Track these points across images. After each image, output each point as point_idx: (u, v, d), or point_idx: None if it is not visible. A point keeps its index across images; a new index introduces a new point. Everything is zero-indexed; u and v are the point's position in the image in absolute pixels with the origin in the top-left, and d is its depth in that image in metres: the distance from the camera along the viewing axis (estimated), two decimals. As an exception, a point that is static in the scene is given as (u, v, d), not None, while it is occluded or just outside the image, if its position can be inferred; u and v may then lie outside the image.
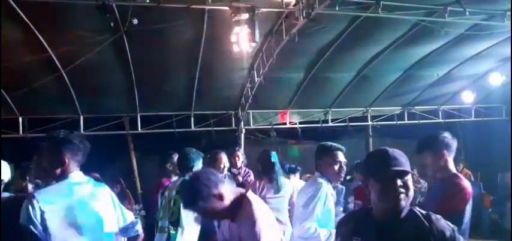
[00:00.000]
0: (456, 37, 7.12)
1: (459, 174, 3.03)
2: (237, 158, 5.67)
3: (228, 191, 2.39)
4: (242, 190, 2.52)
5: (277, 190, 4.24)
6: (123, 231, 2.53)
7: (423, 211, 1.83)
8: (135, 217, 2.69)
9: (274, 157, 4.41)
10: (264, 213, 2.40)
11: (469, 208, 2.92)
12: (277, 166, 4.38)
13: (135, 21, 5.26)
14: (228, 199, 2.35)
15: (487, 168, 9.27)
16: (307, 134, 9.50)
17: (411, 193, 1.80)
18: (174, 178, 4.15)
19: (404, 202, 1.79)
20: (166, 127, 8.71)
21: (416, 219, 1.79)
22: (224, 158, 4.83)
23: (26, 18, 5.46)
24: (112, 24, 5.36)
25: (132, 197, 7.48)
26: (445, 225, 1.78)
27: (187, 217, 3.32)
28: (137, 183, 9.00)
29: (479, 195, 8.09)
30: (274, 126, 9.55)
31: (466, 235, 3.04)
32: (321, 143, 3.42)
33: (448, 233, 1.75)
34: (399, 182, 1.79)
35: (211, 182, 2.34)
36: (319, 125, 9.70)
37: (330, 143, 3.36)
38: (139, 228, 2.62)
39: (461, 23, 6.37)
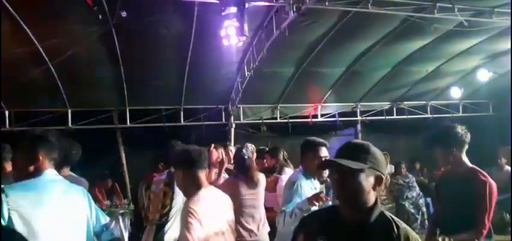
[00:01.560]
0: (445, 33, 7.19)
1: (476, 167, 2.99)
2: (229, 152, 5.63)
3: (196, 176, 2.60)
4: (205, 183, 2.64)
5: (254, 185, 4.06)
6: (98, 233, 2.46)
7: (394, 217, 1.69)
8: (122, 212, 2.64)
9: (246, 154, 4.25)
10: (203, 208, 2.49)
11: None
12: (250, 163, 4.21)
13: (124, 14, 5.22)
14: (189, 181, 2.60)
15: (473, 163, 9.37)
16: (298, 129, 9.51)
17: (353, 191, 1.63)
18: None
19: (343, 198, 1.67)
20: (155, 122, 8.65)
21: (385, 224, 1.64)
22: (216, 152, 4.82)
23: (12, 10, 5.38)
24: (100, 16, 5.31)
25: (120, 192, 7.44)
26: (414, 235, 1.65)
27: (178, 211, 3.32)
28: (126, 177, 8.92)
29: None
30: (265, 121, 9.56)
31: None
32: (305, 138, 3.42)
33: None
34: (336, 176, 1.67)
35: (186, 158, 2.61)
36: (309, 120, 9.74)
37: (313, 138, 3.33)
38: (115, 232, 2.52)
39: (450, 19, 6.43)
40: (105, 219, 2.50)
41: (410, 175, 7.23)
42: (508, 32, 7.01)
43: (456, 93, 9.86)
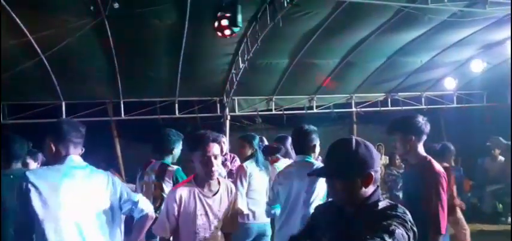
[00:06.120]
0: (439, 24, 7.18)
1: (430, 158, 3.03)
2: (221, 144, 5.64)
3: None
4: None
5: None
6: (128, 212, 2.54)
7: (384, 201, 1.73)
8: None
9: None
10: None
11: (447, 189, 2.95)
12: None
13: (116, 5, 5.17)
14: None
15: (467, 153, 9.45)
16: (292, 121, 9.52)
17: (341, 193, 1.73)
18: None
19: (336, 199, 1.81)
20: (150, 114, 8.63)
21: (371, 206, 1.70)
22: None
23: (3, 2, 5.30)
24: (92, 7, 5.25)
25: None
26: (392, 208, 1.66)
27: None
28: (121, 170, 8.92)
29: (460, 179, 8.26)
30: (260, 113, 9.55)
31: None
32: (294, 127, 3.46)
33: (391, 215, 1.61)
34: (326, 181, 1.90)
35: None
36: (304, 112, 9.74)
37: (301, 125, 3.42)
38: (143, 206, 2.54)
39: (444, 9, 6.42)
40: (133, 197, 2.53)
41: (403, 166, 7.28)
42: (502, 23, 7.03)
43: (450, 83, 9.89)
